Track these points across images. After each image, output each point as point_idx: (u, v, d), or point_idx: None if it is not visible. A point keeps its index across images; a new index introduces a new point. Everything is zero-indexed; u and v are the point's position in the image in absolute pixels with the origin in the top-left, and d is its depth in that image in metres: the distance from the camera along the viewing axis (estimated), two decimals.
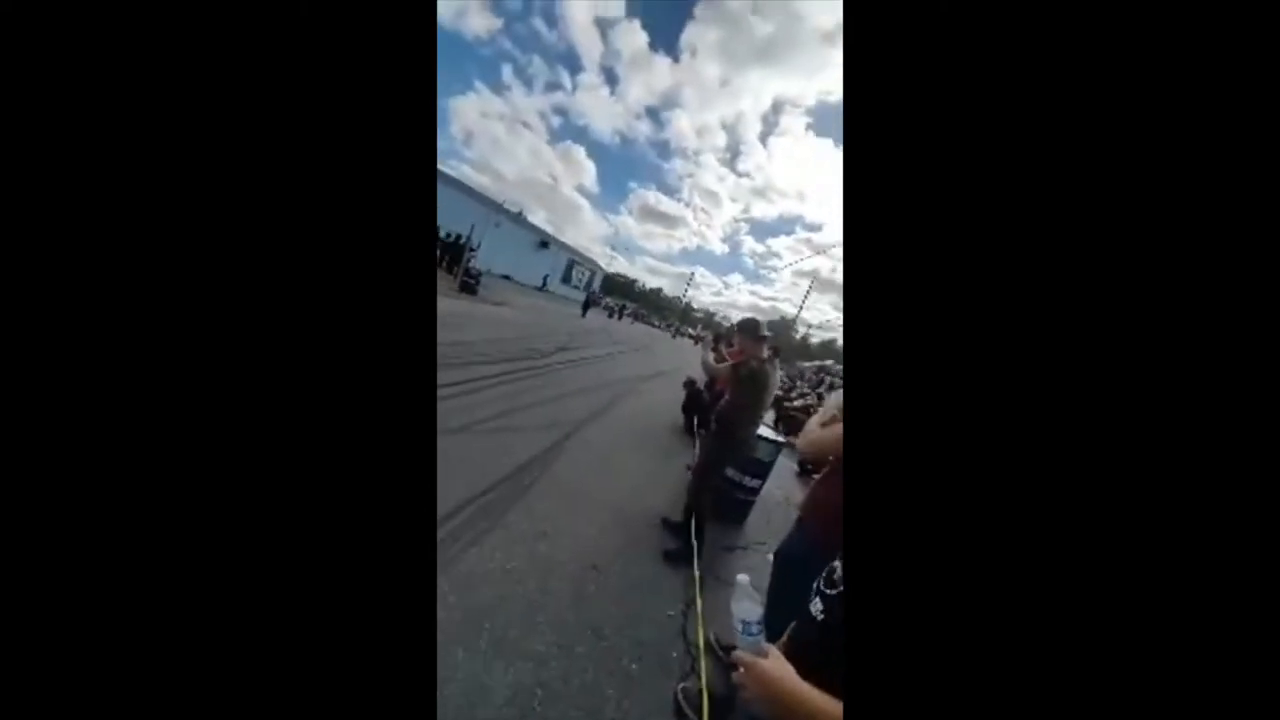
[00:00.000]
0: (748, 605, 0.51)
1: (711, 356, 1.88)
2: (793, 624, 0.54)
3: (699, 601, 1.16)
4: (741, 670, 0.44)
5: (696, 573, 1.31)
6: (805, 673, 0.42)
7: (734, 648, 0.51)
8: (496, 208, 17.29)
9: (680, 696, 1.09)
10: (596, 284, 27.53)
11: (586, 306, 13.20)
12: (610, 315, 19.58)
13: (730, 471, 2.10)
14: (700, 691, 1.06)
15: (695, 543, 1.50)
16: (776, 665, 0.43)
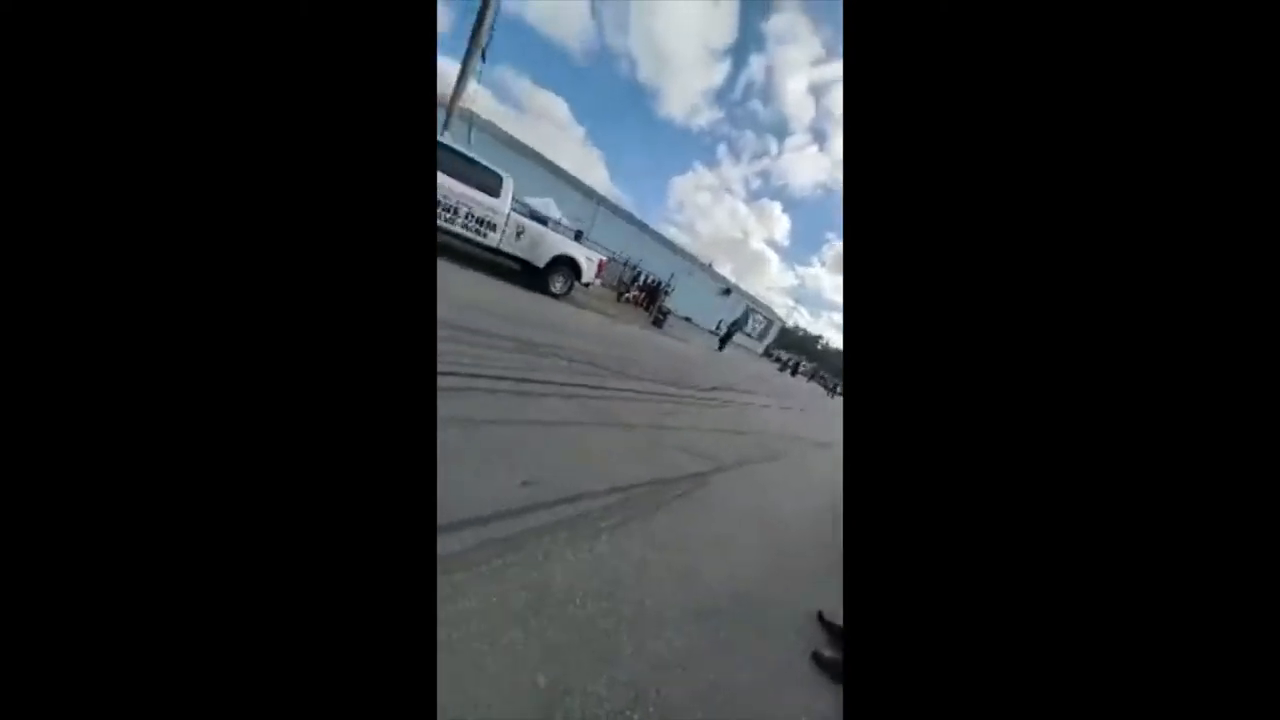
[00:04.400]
0: None
1: None
2: None
3: None
4: None
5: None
6: None
7: None
8: (691, 259, 19.92)
9: None
10: (772, 334, 26.49)
11: (724, 341, 12.43)
12: (782, 369, 18.21)
13: None
14: None
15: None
16: None
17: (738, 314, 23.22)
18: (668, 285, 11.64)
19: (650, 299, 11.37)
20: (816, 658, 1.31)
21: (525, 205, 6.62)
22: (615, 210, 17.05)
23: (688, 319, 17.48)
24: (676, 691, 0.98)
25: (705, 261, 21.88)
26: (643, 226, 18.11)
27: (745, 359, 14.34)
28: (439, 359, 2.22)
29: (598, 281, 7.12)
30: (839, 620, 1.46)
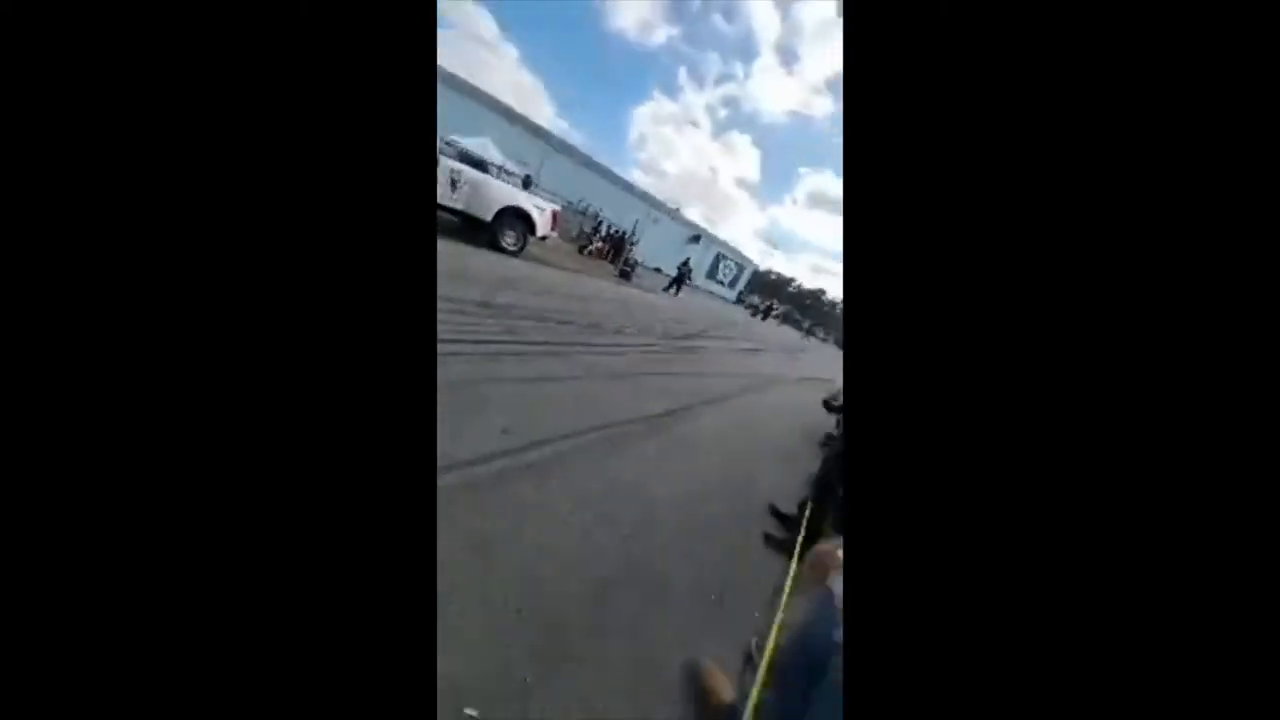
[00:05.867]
0: None
1: None
2: None
3: (786, 589, 1.14)
4: None
5: (793, 564, 1.27)
6: None
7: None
8: (656, 205, 18.86)
9: (754, 647, 1.14)
10: (744, 280, 26.47)
11: (676, 283, 10.69)
12: (754, 315, 18.61)
13: None
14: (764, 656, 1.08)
15: (801, 539, 1.44)
16: None
17: (708, 263, 22.95)
18: (633, 235, 11.01)
19: (615, 251, 10.81)
20: (767, 538, 1.68)
21: (457, 147, 5.66)
22: (569, 151, 15.37)
23: (658, 269, 17.00)
24: (660, 561, 1.26)
25: (673, 207, 20.84)
26: (601, 169, 16.64)
27: (718, 307, 14.50)
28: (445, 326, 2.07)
29: (554, 234, 6.55)
30: (784, 509, 1.87)
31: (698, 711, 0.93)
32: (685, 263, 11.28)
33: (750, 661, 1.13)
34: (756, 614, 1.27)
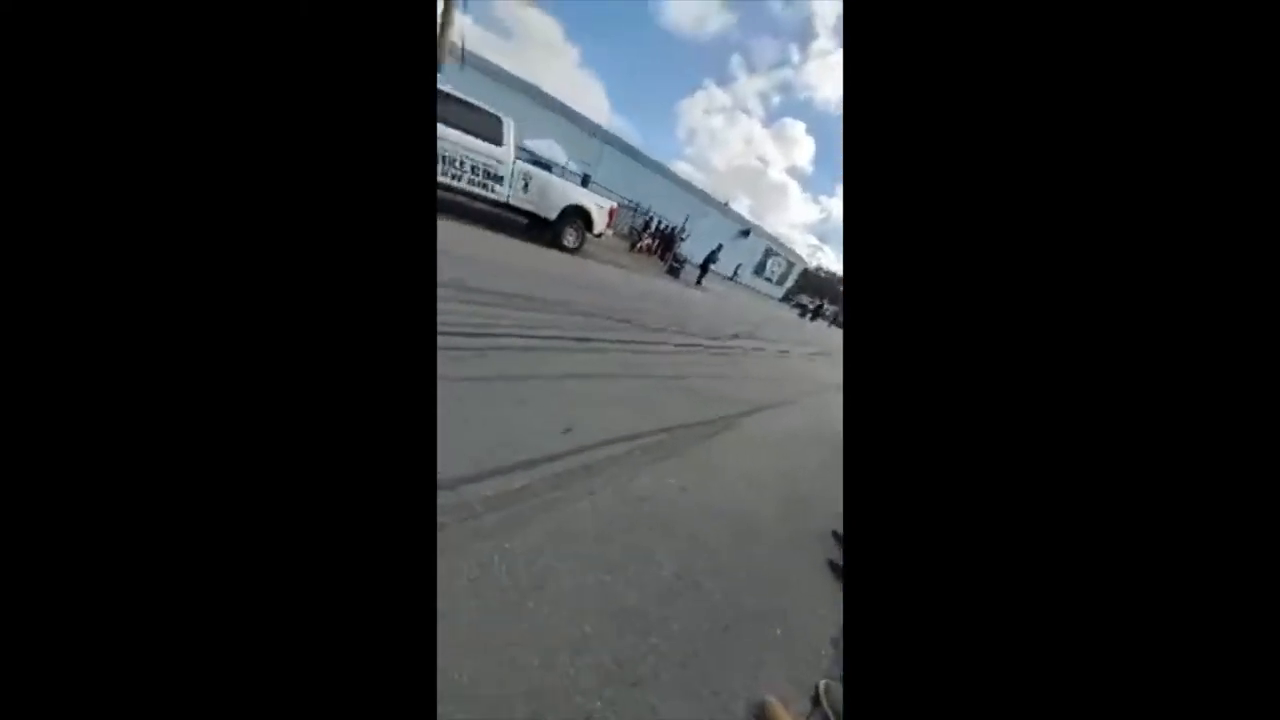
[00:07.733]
0: None
1: None
2: None
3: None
4: None
5: None
6: None
7: None
8: (705, 199, 18.56)
9: (823, 689, 1.05)
10: (793, 277, 25.26)
11: (702, 270, 9.89)
12: (802, 315, 17.66)
13: None
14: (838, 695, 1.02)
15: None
16: None
17: (756, 258, 22.15)
18: (682, 230, 11.02)
19: (665, 247, 10.93)
20: (833, 565, 1.58)
21: (527, 151, 6.15)
22: (622, 148, 15.67)
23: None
24: (719, 583, 1.24)
25: (721, 200, 20.37)
26: (654, 165, 16.73)
27: (765, 306, 14.07)
28: (502, 321, 2.39)
29: (609, 231, 6.83)
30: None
31: None
32: (717, 249, 10.61)
33: (818, 705, 1.01)
34: (822, 651, 1.15)
